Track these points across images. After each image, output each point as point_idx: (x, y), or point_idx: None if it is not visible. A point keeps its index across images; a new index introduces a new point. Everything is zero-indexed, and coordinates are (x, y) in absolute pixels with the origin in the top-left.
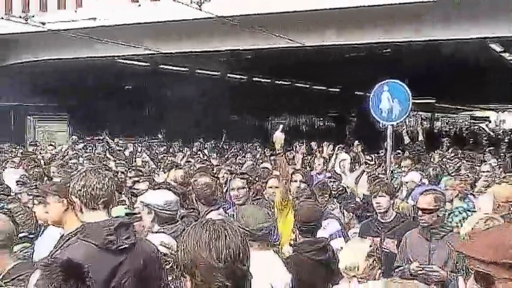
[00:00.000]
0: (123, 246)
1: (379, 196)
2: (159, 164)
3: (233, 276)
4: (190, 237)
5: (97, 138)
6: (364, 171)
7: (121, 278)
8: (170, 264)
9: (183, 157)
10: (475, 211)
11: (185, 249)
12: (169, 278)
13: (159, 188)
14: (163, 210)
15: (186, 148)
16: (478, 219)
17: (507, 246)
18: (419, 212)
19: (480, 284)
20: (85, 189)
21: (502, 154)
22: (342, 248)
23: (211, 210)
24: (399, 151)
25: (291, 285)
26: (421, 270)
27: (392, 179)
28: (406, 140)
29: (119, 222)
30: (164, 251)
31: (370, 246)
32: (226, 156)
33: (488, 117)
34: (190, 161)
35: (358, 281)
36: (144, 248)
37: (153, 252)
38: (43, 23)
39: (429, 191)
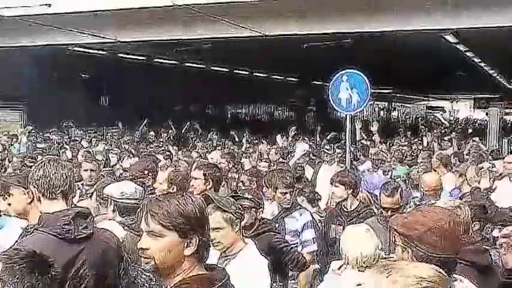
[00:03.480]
0: (81, 236)
1: (335, 186)
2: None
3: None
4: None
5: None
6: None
7: (79, 268)
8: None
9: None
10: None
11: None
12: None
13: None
14: (120, 200)
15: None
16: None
17: (408, 220)
18: (389, 212)
19: (393, 247)
20: (43, 179)
21: (456, 142)
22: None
23: None
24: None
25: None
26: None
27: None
28: (358, 136)
29: (76, 212)
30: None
31: (368, 230)
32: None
33: (443, 107)
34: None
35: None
36: (103, 237)
37: (113, 241)
38: None
39: (390, 188)
